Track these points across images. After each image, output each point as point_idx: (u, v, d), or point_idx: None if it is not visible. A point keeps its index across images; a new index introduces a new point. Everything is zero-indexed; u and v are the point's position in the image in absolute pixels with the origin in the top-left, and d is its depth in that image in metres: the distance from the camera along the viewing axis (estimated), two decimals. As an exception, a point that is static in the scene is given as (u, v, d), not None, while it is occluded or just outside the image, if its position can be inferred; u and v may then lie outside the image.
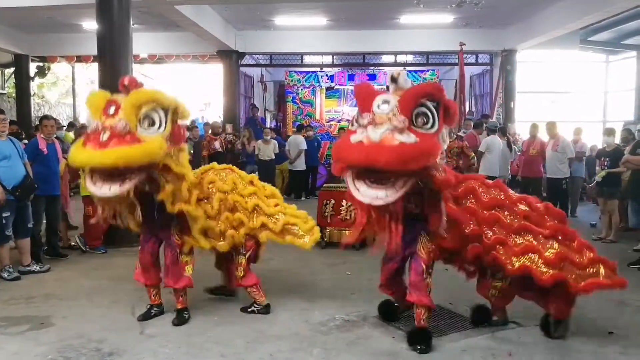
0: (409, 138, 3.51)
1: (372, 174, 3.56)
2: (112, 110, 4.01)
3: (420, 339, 4.22)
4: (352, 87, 16.42)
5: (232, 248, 4.90)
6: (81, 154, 4.01)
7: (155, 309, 4.97)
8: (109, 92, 4.28)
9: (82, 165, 4.04)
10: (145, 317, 4.89)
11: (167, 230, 4.71)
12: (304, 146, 13.02)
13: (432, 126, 3.67)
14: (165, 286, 4.89)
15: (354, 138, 3.67)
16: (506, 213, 4.31)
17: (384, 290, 4.69)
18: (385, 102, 3.65)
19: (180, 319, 4.78)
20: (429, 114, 3.66)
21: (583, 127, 11.55)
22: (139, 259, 4.89)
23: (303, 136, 13.31)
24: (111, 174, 3.95)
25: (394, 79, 3.81)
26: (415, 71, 16.24)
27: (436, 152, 3.61)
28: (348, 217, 7.60)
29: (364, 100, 3.76)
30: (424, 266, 4.18)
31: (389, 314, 4.83)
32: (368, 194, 3.57)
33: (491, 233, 4.21)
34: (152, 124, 4.08)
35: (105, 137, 3.91)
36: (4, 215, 6.09)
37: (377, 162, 3.44)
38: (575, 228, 8.15)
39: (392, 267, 4.51)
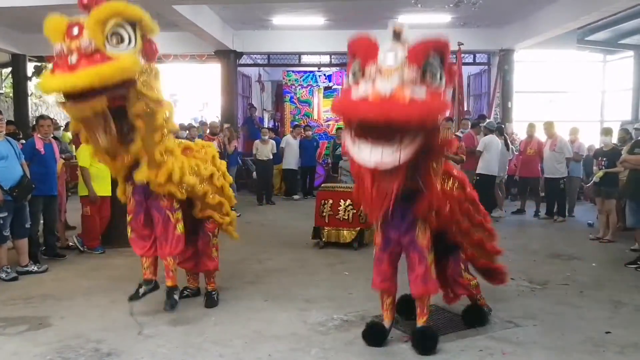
0: (421, 93, 3.30)
1: (375, 131, 3.30)
2: (75, 31, 3.85)
3: (429, 339, 4.18)
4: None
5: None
6: (52, 81, 3.86)
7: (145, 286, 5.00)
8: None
9: (55, 91, 3.91)
10: (133, 298, 4.95)
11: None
12: (284, 145, 13.12)
13: (440, 82, 3.48)
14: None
15: (357, 92, 3.38)
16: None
17: (382, 285, 4.31)
18: (392, 52, 3.38)
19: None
20: (437, 69, 3.46)
21: (580, 126, 11.53)
22: (131, 227, 4.95)
23: (293, 136, 13.35)
24: (85, 95, 3.81)
25: (397, 34, 3.49)
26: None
27: (446, 110, 3.50)
28: (346, 217, 7.62)
29: (367, 52, 3.48)
30: (426, 253, 4.07)
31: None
32: (373, 156, 3.34)
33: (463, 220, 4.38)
34: (121, 40, 3.93)
35: (73, 59, 3.77)
36: (1, 215, 6.08)
37: (392, 118, 3.17)
38: (572, 228, 8.21)
39: (388, 260, 4.25)
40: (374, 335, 4.33)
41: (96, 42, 3.80)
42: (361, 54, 3.50)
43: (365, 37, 3.58)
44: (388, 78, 3.28)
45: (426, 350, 4.13)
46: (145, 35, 4.14)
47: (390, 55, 3.35)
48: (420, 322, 4.22)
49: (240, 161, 14.68)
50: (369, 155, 3.35)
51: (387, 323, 4.38)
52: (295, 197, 13.27)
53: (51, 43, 3.97)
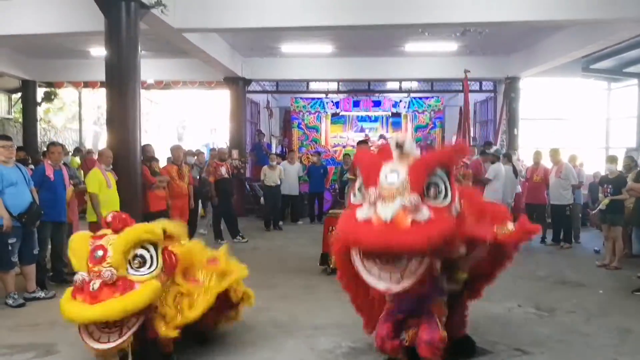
0: (423, 215, 3.26)
1: (381, 256, 3.32)
2: (99, 254, 3.87)
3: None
4: (357, 114, 16.59)
5: None
6: (72, 309, 3.79)
7: None
8: (89, 234, 4.17)
9: (75, 321, 3.82)
10: None
11: None
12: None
13: (445, 197, 3.43)
14: None
15: (360, 215, 3.39)
16: None
17: (382, 345, 4.13)
18: (394, 172, 3.37)
19: None
20: (441, 183, 3.41)
21: (585, 153, 11.61)
22: None
23: (289, 162, 13.36)
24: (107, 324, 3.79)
25: (399, 145, 3.51)
26: (420, 98, 16.41)
27: (452, 230, 3.33)
28: (353, 244, 7.59)
29: (369, 172, 3.47)
30: (440, 322, 3.87)
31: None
32: (383, 279, 3.34)
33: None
34: (143, 263, 3.94)
35: (95, 286, 3.77)
36: (9, 241, 6.10)
37: (393, 247, 3.19)
38: (579, 254, 8.11)
39: (396, 320, 4.05)
40: None
41: (119, 271, 3.82)
42: (364, 174, 3.52)
43: (367, 154, 3.70)
44: (389, 202, 3.28)
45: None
46: (166, 247, 4.13)
47: (392, 176, 3.36)
48: None
49: (248, 187, 14.79)
50: (378, 279, 3.39)
51: None
52: (299, 222, 13.29)
53: (75, 268, 4.01)
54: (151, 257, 3.98)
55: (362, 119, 16.70)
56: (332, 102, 16.66)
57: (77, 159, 14.66)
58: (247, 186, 14.89)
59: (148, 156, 8.79)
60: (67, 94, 20.04)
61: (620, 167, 9.22)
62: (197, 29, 10.00)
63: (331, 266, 7.69)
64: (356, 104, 16.67)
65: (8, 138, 6.59)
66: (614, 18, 9.10)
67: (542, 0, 8.81)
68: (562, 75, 14.91)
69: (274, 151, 16.49)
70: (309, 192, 13.64)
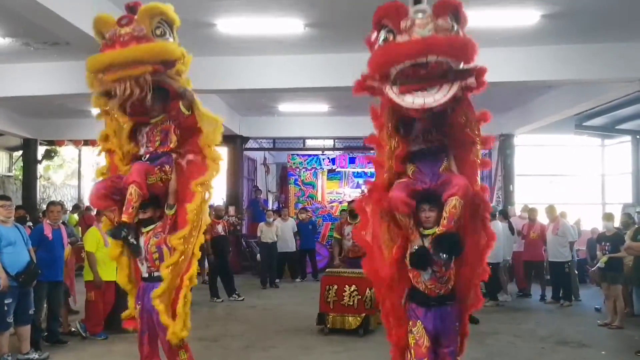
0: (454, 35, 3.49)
1: (416, 82, 3.48)
2: (125, 21, 4.27)
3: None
4: (353, 170, 16.72)
5: None
6: (102, 57, 4.25)
7: None
8: None
9: (106, 64, 4.22)
10: None
11: None
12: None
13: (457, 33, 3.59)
14: None
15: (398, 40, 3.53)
16: None
17: None
18: (420, 11, 3.52)
19: None
20: (456, 27, 3.56)
21: (582, 209, 11.64)
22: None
23: (282, 219, 13.24)
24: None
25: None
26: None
27: (477, 47, 3.50)
28: (351, 303, 7.55)
29: (398, 12, 3.57)
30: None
31: None
32: (416, 100, 3.48)
33: None
34: (164, 33, 4.38)
35: (125, 39, 4.18)
36: (6, 301, 6.03)
37: (435, 49, 3.33)
38: (579, 312, 8.03)
39: None
40: None
41: (146, 30, 4.24)
42: (393, 14, 3.59)
43: (392, 2, 3.67)
44: (424, 27, 3.42)
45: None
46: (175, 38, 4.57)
47: (419, 14, 3.49)
48: None
49: (244, 243, 14.72)
50: (412, 100, 3.49)
51: None
52: (297, 279, 13.22)
53: (99, 35, 4.43)
54: (169, 31, 4.42)
55: (358, 175, 16.84)
56: (329, 158, 16.85)
57: (75, 216, 14.68)
58: (244, 243, 14.84)
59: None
60: (67, 152, 20.23)
61: (617, 223, 9.25)
62: (198, 90, 10.12)
63: (328, 326, 7.62)
64: (352, 161, 16.84)
65: (7, 198, 6.64)
66: (604, 78, 9.34)
67: (535, 61, 9.05)
68: (556, 132, 15.14)
69: (270, 207, 16.53)
70: (299, 249, 13.40)
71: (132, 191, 4.39)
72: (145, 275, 4.67)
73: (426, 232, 3.88)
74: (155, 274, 4.60)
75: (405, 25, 3.46)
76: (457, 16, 3.59)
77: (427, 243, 3.83)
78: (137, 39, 4.19)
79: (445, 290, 3.90)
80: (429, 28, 3.41)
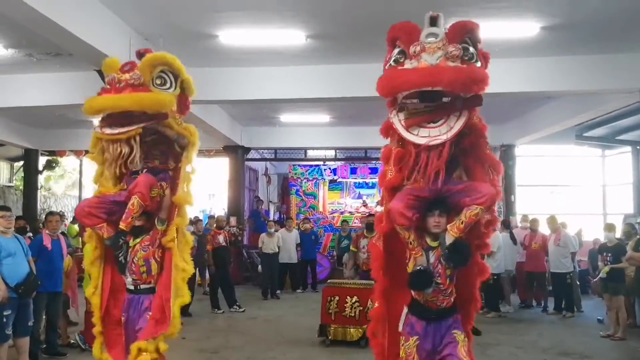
0: (462, 66, 3.35)
1: (421, 113, 3.41)
2: (127, 67, 4.36)
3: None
4: (354, 180, 16.74)
5: None
6: (96, 101, 4.31)
7: None
8: None
9: (99, 109, 4.31)
10: None
11: None
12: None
13: (476, 62, 3.47)
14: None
15: (406, 67, 3.43)
16: None
17: None
18: (433, 34, 3.42)
19: None
20: (471, 50, 3.45)
21: (583, 219, 11.62)
22: None
23: (287, 230, 13.24)
24: (122, 120, 4.27)
25: (433, 20, 3.51)
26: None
27: (488, 80, 3.38)
28: (353, 314, 7.52)
29: (409, 35, 3.49)
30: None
31: None
32: (422, 134, 3.38)
33: None
34: (164, 83, 4.39)
35: (121, 85, 4.26)
36: (4, 313, 5.95)
37: (440, 81, 3.21)
38: (582, 323, 7.98)
39: None
40: None
41: (144, 78, 4.28)
42: (404, 37, 3.51)
43: (407, 22, 3.59)
44: (433, 53, 3.34)
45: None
46: (184, 89, 4.59)
47: (431, 38, 3.40)
48: None
49: (245, 254, 14.69)
50: (417, 132, 3.41)
51: None
52: (299, 290, 13.19)
53: (105, 77, 4.52)
54: (170, 82, 4.42)
55: (359, 186, 16.86)
56: (330, 169, 16.89)
57: (76, 227, 14.64)
58: (245, 253, 14.81)
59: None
60: (68, 162, 20.23)
61: (619, 234, 9.23)
62: (199, 100, 10.19)
63: (330, 338, 7.59)
64: (353, 171, 16.87)
65: (7, 209, 6.61)
66: (604, 89, 9.38)
67: (535, 72, 9.08)
68: (557, 142, 15.16)
69: (271, 218, 16.51)
70: (301, 259, 13.36)
71: (135, 202, 4.40)
72: (131, 287, 4.63)
73: (432, 243, 3.65)
74: (142, 286, 4.59)
75: (415, 50, 3.39)
76: (474, 39, 3.50)
77: (432, 258, 3.62)
78: (133, 87, 4.25)
79: (448, 303, 3.68)
80: (438, 55, 3.32)
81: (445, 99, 3.42)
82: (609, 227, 9.08)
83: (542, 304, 10.75)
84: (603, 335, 8.45)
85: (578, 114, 11.58)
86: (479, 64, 3.46)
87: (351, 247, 10.05)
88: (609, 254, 8.57)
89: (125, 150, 4.36)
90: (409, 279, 3.65)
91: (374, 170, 16.73)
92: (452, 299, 3.70)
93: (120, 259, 4.53)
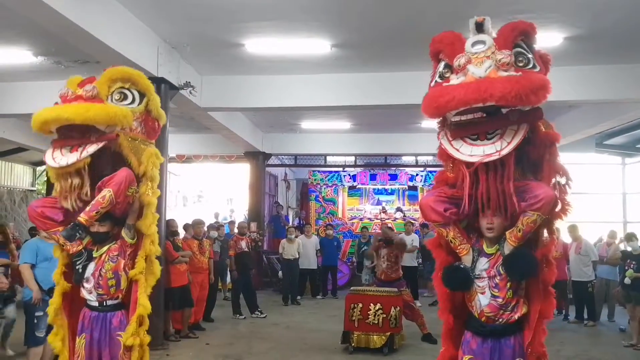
0: (516, 75, 2.89)
1: (472, 129, 3.01)
2: (86, 82, 3.88)
3: None
4: (374, 187, 16.79)
5: None
6: (40, 114, 3.71)
7: None
8: None
9: (42, 121, 3.70)
10: None
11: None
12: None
13: (533, 67, 3.05)
14: None
15: (452, 83, 3.00)
16: None
17: None
18: (480, 42, 3.02)
19: None
20: (527, 54, 3.05)
21: (604, 227, 11.56)
22: None
23: (306, 236, 13.34)
24: (72, 140, 3.76)
25: (479, 25, 3.11)
26: (436, 172, 16.60)
27: (549, 87, 2.90)
28: (376, 322, 7.56)
29: (452, 45, 3.10)
30: None
31: None
32: (475, 152, 2.96)
33: None
34: (124, 98, 3.95)
35: (70, 97, 3.78)
36: (36, 314, 6.07)
37: (490, 95, 2.75)
38: (604, 333, 7.93)
39: None
40: None
41: (98, 91, 3.82)
42: (447, 48, 3.14)
43: (448, 33, 3.22)
44: (480, 64, 2.93)
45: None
46: (151, 111, 4.12)
47: (478, 46, 3.02)
48: None
49: (265, 259, 14.80)
50: (470, 152, 3.01)
51: None
52: (318, 297, 13.27)
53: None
54: (133, 98, 3.98)
55: (378, 192, 16.91)
56: (349, 175, 16.95)
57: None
58: (265, 259, 14.93)
59: (171, 231, 8.93)
60: (89, 166, 20.41)
61: (640, 242, 9.17)
62: (222, 108, 10.42)
63: (353, 345, 7.65)
64: (373, 177, 16.93)
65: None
66: (625, 99, 9.39)
67: (558, 82, 8.99)
68: (577, 150, 15.06)
69: (291, 223, 16.59)
70: (322, 265, 13.44)
71: (107, 195, 3.78)
72: (94, 304, 4.04)
73: (488, 250, 3.28)
74: (109, 302, 4.04)
75: (459, 64, 2.97)
76: (530, 42, 3.11)
77: (486, 265, 3.26)
78: (82, 99, 3.75)
79: (509, 319, 3.27)
80: (487, 66, 2.89)
81: (504, 110, 3.01)
82: (629, 237, 9.06)
83: (564, 313, 10.71)
84: (626, 344, 8.42)
85: (599, 122, 11.58)
86: (537, 69, 3.06)
87: (370, 250, 9.69)
88: (633, 262, 8.55)
89: (76, 181, 3.84)
90: (442, 274, 3.31)
91: (393, 177, 16.79)
92: (517, 316, 3.29)
93: (77, 268, 4.01)
